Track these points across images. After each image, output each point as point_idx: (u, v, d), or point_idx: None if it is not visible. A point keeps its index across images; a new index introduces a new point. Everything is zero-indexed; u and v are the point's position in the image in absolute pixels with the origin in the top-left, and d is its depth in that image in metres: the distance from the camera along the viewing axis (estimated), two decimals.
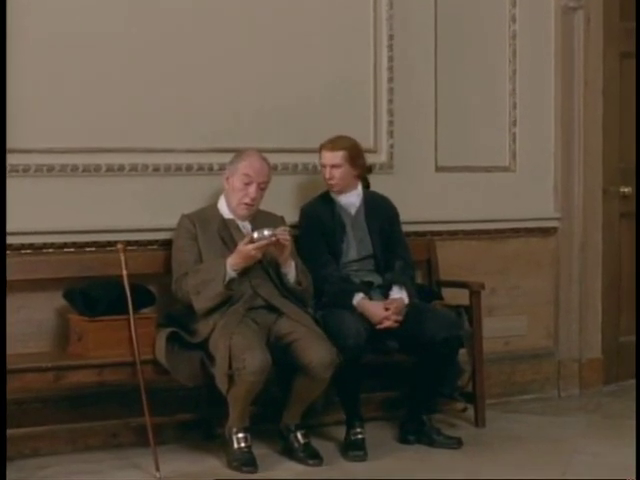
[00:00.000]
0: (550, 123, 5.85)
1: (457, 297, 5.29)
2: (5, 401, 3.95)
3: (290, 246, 4.61)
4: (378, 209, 5.05)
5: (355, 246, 4.97)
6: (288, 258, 4.64)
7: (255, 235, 4.48)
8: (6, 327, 4.32)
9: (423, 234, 5.47)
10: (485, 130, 5.68)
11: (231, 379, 4.34)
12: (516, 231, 5.75)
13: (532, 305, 5.84)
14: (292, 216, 5.02)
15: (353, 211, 5.01)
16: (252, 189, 4.66)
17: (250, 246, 4.47)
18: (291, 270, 4.68)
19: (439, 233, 5.53)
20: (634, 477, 4.25)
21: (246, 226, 4.74)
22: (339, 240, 4.93)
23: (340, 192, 4.99)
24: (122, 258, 4.54)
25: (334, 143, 4.92)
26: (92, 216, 4.74)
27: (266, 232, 4.48)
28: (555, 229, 5.88)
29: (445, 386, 5.01)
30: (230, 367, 4.32)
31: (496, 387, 5.62)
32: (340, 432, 4.85)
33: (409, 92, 5.42)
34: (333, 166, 4.92)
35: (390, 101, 5.38)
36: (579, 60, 5.84)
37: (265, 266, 4.67)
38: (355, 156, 4.94)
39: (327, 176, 4.95)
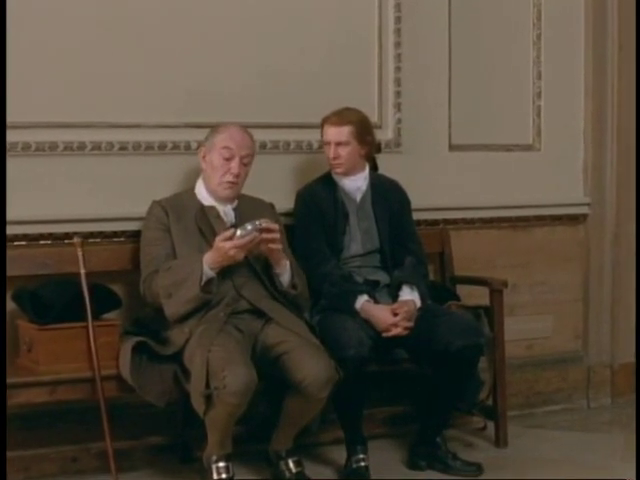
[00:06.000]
0: (579, 95, 5.59)
1: (474, 295, 5.00)
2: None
3: (283, 242, 4.31)
4: (387, 195, 4.72)
5: (359, 238, 4.65)
6: (282, 257, 4.27)
7: (238, 232, 4.10)
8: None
9: (435, 223, 5.21)
10: (505, 103, 5.42)
11: (209, 400, 3.93)
12: (540, 219, 5.50)
13: (558, 303, 5.59)
14: (283, 203, 4.71)
15: (358, 197, 4.69)
16: (234, 164, 4.33)
17: (228, 244, 4.09)
18: (285, 271, 4.32)
19: (453, 221, 5.27)
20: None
21: (228, 213, 4.39)
22: (341, 231, 4.62)
23: (345, 174, 4.66)
24: (79, 253, 4.23)
25: (340, 116, 4.60)
26: (47, 203, 4.45)
27: (249, 226, 4.10)
28: (585, 216, 5.61)
29: (463, 402, 4.68)
30: (208, 386, 3.93)
31: (517, 397, 5.37)
32: (339, 453, 4.53)
33: (419, 59, 5.14)
34: (338, 144, 4.60)
35: (397, 69, 5.10)
36: (613, 22, 5.51)
37: (251, 262, 4.28)
38: (364, 132, 4.62)
39: (331, 155, 4.63)
